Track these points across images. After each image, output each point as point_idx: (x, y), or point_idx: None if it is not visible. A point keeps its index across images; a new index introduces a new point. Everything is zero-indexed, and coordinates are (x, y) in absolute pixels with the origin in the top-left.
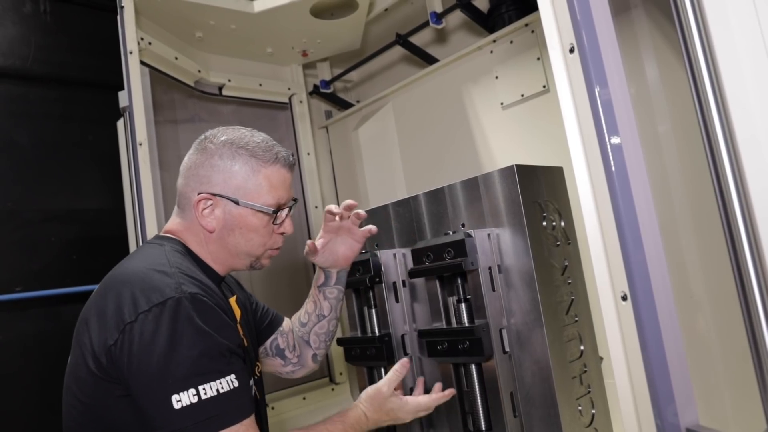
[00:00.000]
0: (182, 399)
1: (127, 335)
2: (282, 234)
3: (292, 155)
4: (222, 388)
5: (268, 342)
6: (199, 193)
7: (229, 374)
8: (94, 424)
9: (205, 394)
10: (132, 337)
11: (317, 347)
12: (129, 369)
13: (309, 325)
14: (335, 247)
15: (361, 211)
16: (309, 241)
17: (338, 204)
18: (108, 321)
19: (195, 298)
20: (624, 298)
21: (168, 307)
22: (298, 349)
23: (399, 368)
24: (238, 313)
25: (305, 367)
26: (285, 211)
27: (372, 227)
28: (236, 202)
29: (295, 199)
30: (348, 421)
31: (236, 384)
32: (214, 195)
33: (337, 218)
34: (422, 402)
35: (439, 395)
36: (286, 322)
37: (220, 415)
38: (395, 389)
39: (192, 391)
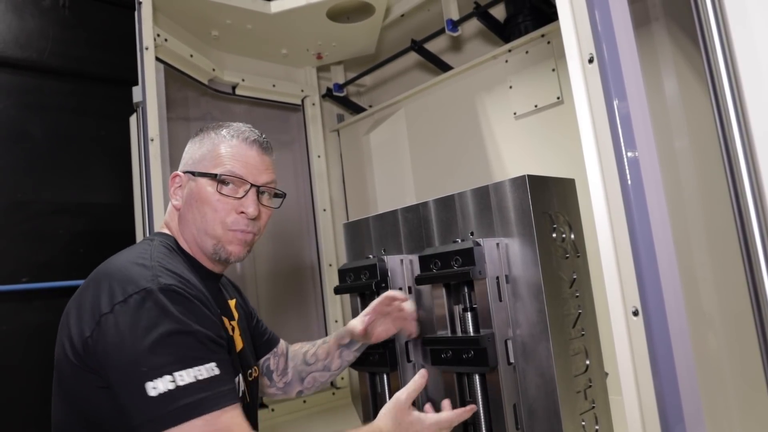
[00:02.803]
0: (158, 386)
1: (103, 326)
2: (242, 214)
3: (263, 137)
4: (201, 375)
5: (260, 361)
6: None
7: (209, 362)
8: (76, 415)
9: (182, 380)
10: (107, 328)
11: (307, 388)
12: (106, 360)
13: (312, 368)
14: (374, 326)
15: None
16: (359, 329)
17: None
18: (85, 313)
19: (169, 289)
20: (635, 314)
21: (142, 296)
22: (289, 377)
23: (418, 379)
24: (236, 315)
25: (287, 395)
26: (248, 190)
27: (414, 332)
28: (192, 173)
29: (272, 187)
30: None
31: (217, 372)
32: (181, 174)
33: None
34: (443, 418)
35: (461, 411)
36: (281, 345)
37: (199, 402)
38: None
39: (168, 377)
